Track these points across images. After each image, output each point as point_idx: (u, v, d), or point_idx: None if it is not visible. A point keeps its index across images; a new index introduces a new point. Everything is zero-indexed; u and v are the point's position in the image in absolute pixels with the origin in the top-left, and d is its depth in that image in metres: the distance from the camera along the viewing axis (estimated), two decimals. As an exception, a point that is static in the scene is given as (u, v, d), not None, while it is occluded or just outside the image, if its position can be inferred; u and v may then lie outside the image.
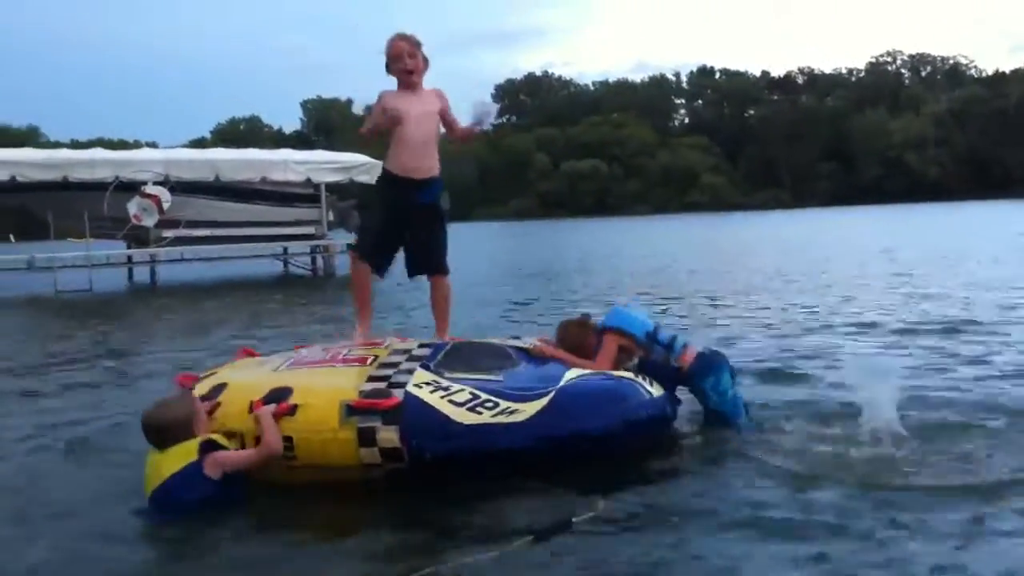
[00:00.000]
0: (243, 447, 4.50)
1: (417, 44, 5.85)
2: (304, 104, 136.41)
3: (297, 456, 4.44)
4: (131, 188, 21.76)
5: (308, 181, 24.19)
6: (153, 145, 68.40)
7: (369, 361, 5.00)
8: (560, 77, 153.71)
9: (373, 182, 25.50)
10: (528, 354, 5.39)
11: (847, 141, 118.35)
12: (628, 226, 62.66)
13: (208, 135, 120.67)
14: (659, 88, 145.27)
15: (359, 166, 25.10)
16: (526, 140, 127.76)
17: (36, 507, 4.51)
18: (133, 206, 21.54)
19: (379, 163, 21.76)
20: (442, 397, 4.52)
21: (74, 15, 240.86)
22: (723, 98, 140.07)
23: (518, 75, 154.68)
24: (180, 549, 3.92)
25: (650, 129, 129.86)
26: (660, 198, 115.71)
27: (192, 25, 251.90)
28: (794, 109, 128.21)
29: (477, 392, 4.58)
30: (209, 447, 4.34)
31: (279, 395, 4.60)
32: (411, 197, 5.77)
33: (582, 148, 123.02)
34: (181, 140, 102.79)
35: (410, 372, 4.78)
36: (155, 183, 21.95)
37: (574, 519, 3.93)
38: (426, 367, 4.86)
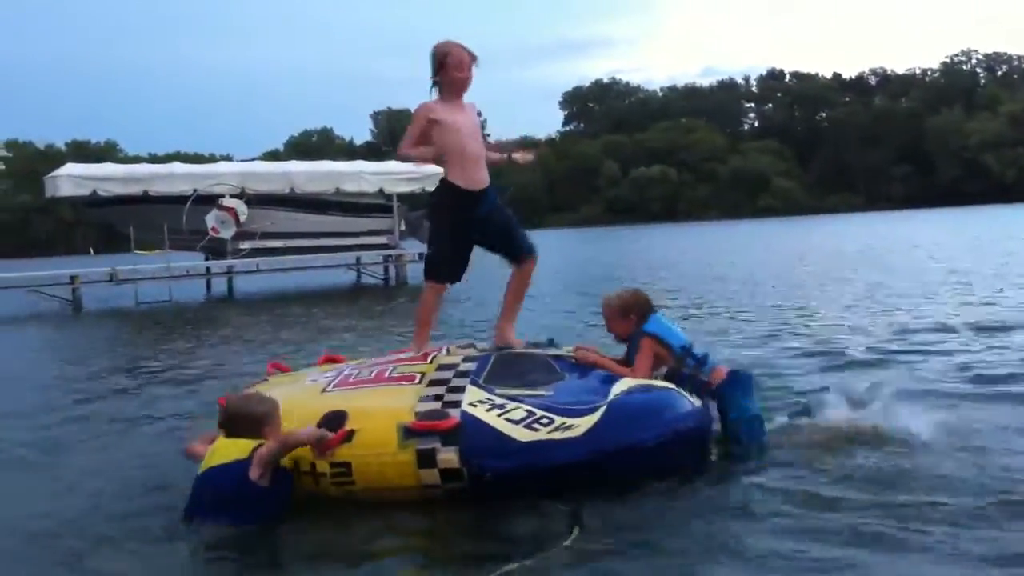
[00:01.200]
0: (297, 472, 4.52)
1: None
2: (374, 115, 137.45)
3: (355, 480, 4.46)
4: (209, 201, 22.24)
5: (381, 191, 24.48)
6: (228, 158, 69.71)
7: (417, 379, 4.98)
8: (628, 83, 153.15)
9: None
10: (570, 365, 5.37)
11: (922, 143, 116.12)
12: (699, 232, 62.10)
13: (281, 147, 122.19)
14: (728, 92, 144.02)
15: (431, 176, 25.24)
16: (594, 147, 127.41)
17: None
18: (211, 218, 22.01)
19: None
20: (499, 415, 4.53)
21: (147, 33, 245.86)
22: (793, 101, 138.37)
23: (585, 82, 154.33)
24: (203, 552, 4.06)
25: (720, 134, 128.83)
26: (730, 203, 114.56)
27: (262, 40, 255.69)
28: (867, 111, 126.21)
29: (532, 409, 4.60)
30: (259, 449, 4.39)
31: (335, 419, 4.59)
32: (476, 210, 5.71)
33: (651, 154, 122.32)
34: (255, 153, 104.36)
35: (461, 390, 4.77)
36: (232, 196, 22.39)
37: (567, 540, 3.93)
38: (476, 383, 4.85)
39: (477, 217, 5.72)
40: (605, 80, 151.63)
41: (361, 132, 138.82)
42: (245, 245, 22.80)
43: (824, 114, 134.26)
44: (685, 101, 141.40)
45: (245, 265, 23.13)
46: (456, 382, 4.87)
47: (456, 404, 4.60)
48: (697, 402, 5.05)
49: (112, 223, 24.79)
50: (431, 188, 22.49)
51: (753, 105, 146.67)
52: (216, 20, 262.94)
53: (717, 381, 5.47)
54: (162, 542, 4.22)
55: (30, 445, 6.42)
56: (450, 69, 5.55)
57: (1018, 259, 19.72)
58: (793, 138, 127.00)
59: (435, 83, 5.64)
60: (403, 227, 24.93)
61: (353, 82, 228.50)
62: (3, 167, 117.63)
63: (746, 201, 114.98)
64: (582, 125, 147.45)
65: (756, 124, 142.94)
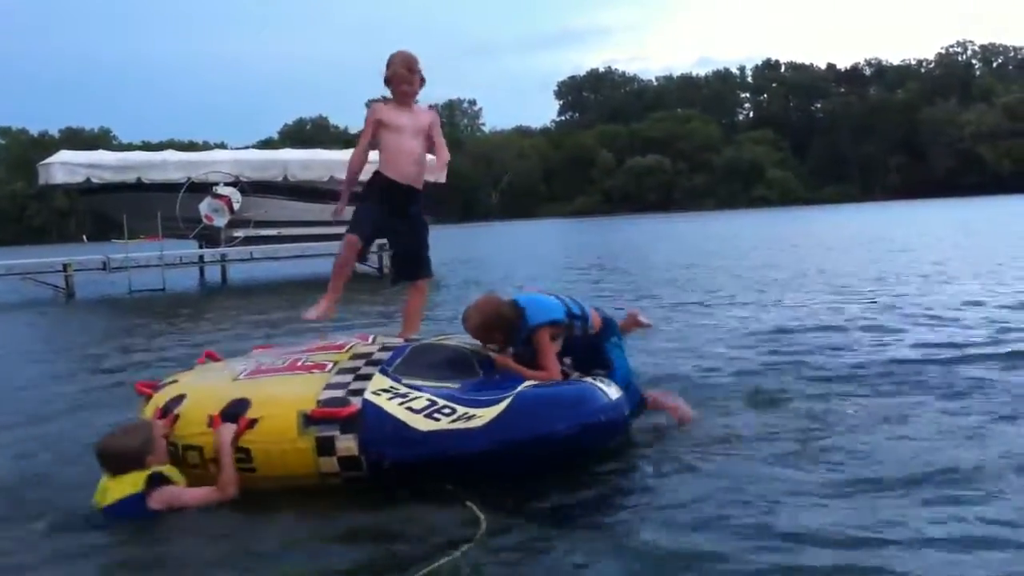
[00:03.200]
0: (202, 460, 4.50)
1: (416, 64, 6.02)
2: (369, 104, 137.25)
3: (256, 467, 4.44)
4: (203, 189, 22.21)
5: (375, 179, 24.44)
6: (222, 146, 69.67)
7: (328, 367, 4.94)
8: (623, 73, 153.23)
9: (439, 180, 25.86)
10: (488, 358, 5.31)
11: (917, 134, 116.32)
12: (696, 222, 62.19)
13: (276, 135, 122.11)
14: (724, 82, 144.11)
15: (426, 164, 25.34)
16: (589, 137, 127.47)
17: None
18: (205, 207, 22.00)
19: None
20: (400, 404, 4.51)
21: (141, 21, 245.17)
22: (789, 92, 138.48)
23: (581, 72, 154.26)
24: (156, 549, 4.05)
25: (715, 124, 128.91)
26: (726, 193, 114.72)
27: (256, 28, 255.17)
28: (862, 102, 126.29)
29: (435, 398, 4.58)
30: (157, 481, 4.36)
31: (238, 407, 4.57)
32: (402, 203, 5.94)
33: (646, 144, 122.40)
34: (249, 141, 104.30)
35: (368, 378, 4.74)
36: (225, 184, 22.37)
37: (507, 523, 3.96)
38: (384, 372, 4.82)
39: (402, 210, 5.95)
40: (601, 70, 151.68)
41: (356, 120, 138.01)
42: (239, 233, 22.79)
43: (819, 105, 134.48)
44: (681, 91, 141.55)
45: (239, 253, 23.09)
46: (365, 371, 4.84)
47: (359, 392, 4.58)
48: (615, 394, 5.02)
49: (105, 211, 24.73)
50: (426, 176, 22.51)
51: (748, 95, 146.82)
52: (210, 8, 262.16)
53: (597, 328, 5.61)
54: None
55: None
56: (394, 83, 5.97)
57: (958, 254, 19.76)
58: (788, 128, 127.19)
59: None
60: (397, 216, 24.91)
61: (347, 70, 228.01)
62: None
63: (741, 191, 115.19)
64: (577, 115, 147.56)
65: (751, 114, 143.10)
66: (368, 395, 4.55)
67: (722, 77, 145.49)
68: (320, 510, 4.30)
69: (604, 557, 3.70)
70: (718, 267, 19.51)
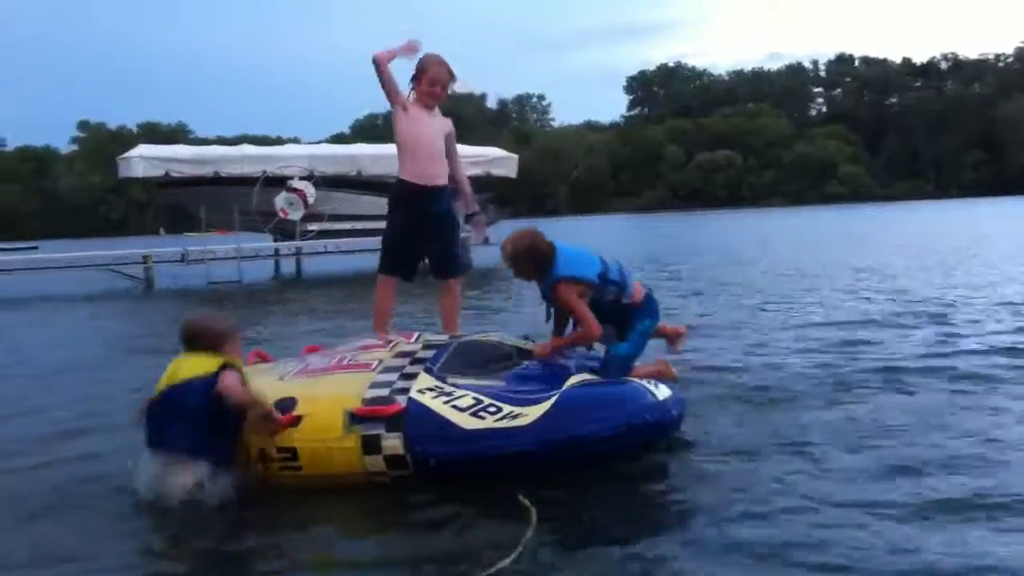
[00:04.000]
0: (249, 460, 4.55)
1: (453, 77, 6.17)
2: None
3: (302, 466, 4.48)
4: (278, 183, 22.57)
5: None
6: (295, 141, 70.52)
7: (373, 366, 4.99)
8: (693, 68, 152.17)
9: (510, 175, 25.91)
10: (532, 355, 5.39)
11: (994, 129, 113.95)
12: (773, 217, 61.56)
13: (348, 130, 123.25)
14: (795, 77, 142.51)
15: (495, 159, 25.48)
16: (658, 132, 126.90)
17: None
18: (280, 200, 22.35)
19: (516, 157, 22.13)
20: (446, 403, 4.53)
21: (217, 16, 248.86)
22: (863, 86, 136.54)
23: (650, 67, 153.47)
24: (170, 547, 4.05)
25: (786, 119, 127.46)
26: (796, 189, 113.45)
27: (328, 23, 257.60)
28: (938, 96, 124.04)
29: (480, 397, 4.59)
30: (226, 368, 4.45)
31: (284, 406, 4.60)
32: (427, 205, 5.98)
33: (715, 139, 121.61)
34: (322, 135, 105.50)
35: (413, 376, 4.78)
36: (301, 178, 22.71)
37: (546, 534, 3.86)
38: (429, 371, 4.86)
39: (431, 213, 5.98)
40: (670, 64, 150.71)
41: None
42: (313, 227, 23.10)
43: (894, 100, 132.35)
44: (751, 86, 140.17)
45: (313, 247, 23.38)
46: (410, 369, 4.88)
47: (405, 391, 4.60)
48: (663, 394, 5.02)
49: (182, 204, 25.25)
50: (496, 171, 22.68)
51: (821, 90, 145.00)
52: (281, 5, 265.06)
53: (637, 301, 5.54)
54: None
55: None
56: (423, 82, 6.07)
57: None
58: (861, 124, 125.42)
59: (412, 87, 6.15)
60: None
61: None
62: (77, 148, 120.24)
63: (812, 187, 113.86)
64: (646, 110, 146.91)
65: (824, 109, 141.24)
66: (413, 393, 4.58)
67: (794, 71, 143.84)
68: (370, 506, 4.35)
69: (660, 549, 3.71)
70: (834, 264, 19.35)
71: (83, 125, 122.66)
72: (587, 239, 38.18)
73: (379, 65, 6.09)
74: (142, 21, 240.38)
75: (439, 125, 6.16)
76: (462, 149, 25.23)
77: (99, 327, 14.13)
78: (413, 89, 6.13)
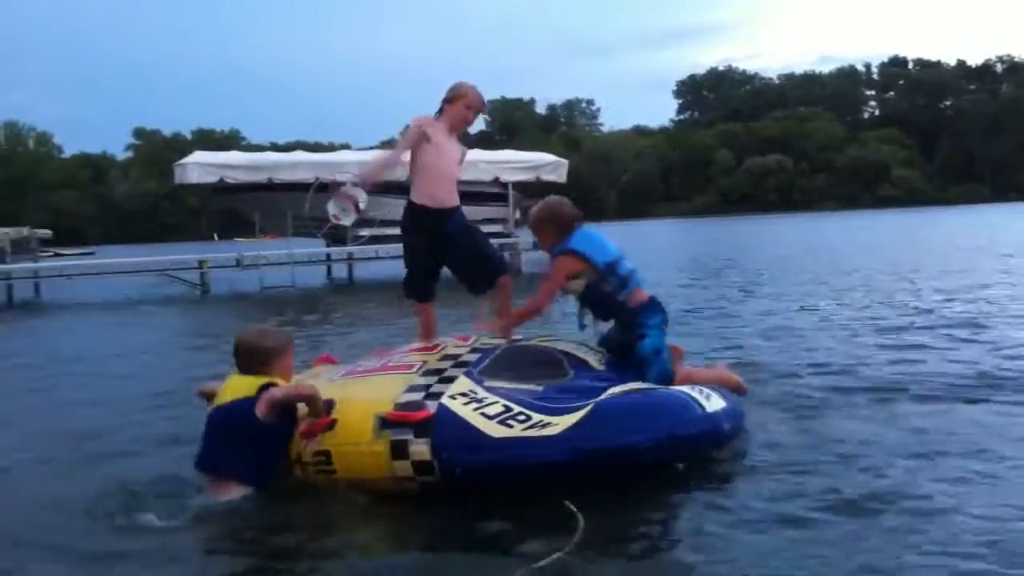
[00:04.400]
0: (290, 464, 4.59)
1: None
2: (488, 104, 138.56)
3: (336, 469, 4.47)
4: (330, 189, 22.83)
5: (496, 180, 24.76)
6: (346, 147, 71.03)
7: (416, 368, 4.96)
8: (743, 71, 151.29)
9: (560, 180, 25.99)
10: (585, 362, 5.29)
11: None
12: (832, 222, 60.96)
13: (397, 136, 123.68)
14: (847, 80, 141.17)
15: (546, 165, 25.62)
16: (708, 136, 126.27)
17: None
18: (332, 206, 22.61)
19: (566, 162, 22.18)
20: (475, 409, 4.45)
21: (268, 25, 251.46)
22: (916, 89, 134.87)
23: (699, 70, 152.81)
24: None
25: (838, 122, 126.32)
26: (849, 193, 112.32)
27: (377, 30, 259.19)
28: (993, 99, 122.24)
29: (510, 404, 4.52)
30: (267, 389, 4.49)
31: (325, 409, 4.63)
32: (442, 227, 5.91)
33: (766, 143, 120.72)
34: (372, 142, 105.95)
35: (451, 380, 4.72)
36: (353, 184, 22.94)
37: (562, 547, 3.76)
38: (469, 375, 4.81)
39: (444, 235, 5.91)
40: (720, 68, 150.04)
41: (476, 122, 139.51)
42: (364, 232, 23.34)
43: (948, 102, 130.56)
44: (802, 89, 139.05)
45: (364, 252, 23.63)
46: (451, 373, 4.83)
47: (438, 396, 4.55)
48: (714, 407, 4.87)
49: (237, 210, 25.63)
50: (546, 177, 22.74)
51: (874, 93, 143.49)
52: (331, 10, 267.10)
53: (635, 304, 5.49)
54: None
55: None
56: (461, 105, 5.99)
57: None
58: (915, 127, 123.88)
59: (441, 109, 6.04)
60: (518, 216, 25.19)
61: (466, 71, 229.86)
62: (132, 155, 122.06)
63: (865, 191, 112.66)
64: (696, 114, 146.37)
65: (877, 113, 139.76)
66: (445, 399, 4.51)
67: (846, 75, 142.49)
68: (414, 509, 4.34)
69: (711, 555, 3.71)
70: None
71: (138, 132, 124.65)
72: (649, 243, 38.15)
73: (385, 171, 6.21)
74: (196, 29, 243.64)
75: (458, 153, 6.12)
76: (511, 155, 25.50)
77: (159, 331, 14.44)
78: (443, 112, 6.02)
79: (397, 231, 21.33)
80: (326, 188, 22.78)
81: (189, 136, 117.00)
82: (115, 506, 4.52)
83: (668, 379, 5.42)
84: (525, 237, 25.54)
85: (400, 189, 22.81)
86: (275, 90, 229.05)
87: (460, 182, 20.99)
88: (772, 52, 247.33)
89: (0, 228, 27.30)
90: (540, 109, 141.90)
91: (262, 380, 4.55)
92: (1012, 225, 38.54)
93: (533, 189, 26.17)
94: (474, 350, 5.22)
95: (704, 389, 5.04)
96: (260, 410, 4.44)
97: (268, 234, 23.60)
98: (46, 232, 34.90)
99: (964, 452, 4.86)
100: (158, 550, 4.00)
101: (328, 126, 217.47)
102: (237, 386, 4.59)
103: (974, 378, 6.74)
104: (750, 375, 6.66)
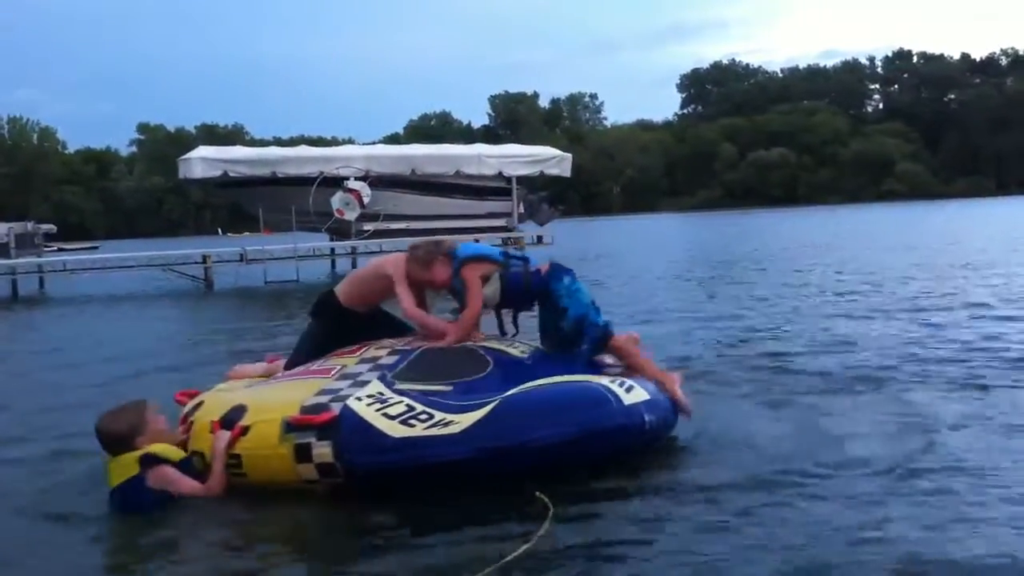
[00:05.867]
0: (206, 466, 4.59)
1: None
2: (492, 99, 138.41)
3: (246, 472, 4.49)
4: (334, 183, 22.87)
5: (500, 174, 24.77)
6: (350, 142, 71.11)
7: (333, 372, 4.96)
8: (747, 65, 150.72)
9: (564, 175, 26.02)
10: (510, 359, 5.14)
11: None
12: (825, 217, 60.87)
13: (401, 131, 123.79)
14: (851, 73, 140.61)
15: (549, 159, 25.64)
16: (712, 130, 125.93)
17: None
18: (336, 201, 22.64)
19: (570, 156, 22.12)
20: (377, 410, 4.41)
21: (270, 21, 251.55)
22: (921, 83, 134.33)
23: (703, 65, 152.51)
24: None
25: (842, 116, 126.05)
26: (853, 187, 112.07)
27: (379, 25, 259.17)
28: (998, 93, 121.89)
29: (413, 404, 4.48)
30: (150, 461, 4.46)
31: (235, 415, 4.65)
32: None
33: (770, 137, 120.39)
34: (375, 136, 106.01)
35: (364, 384, 4.71)
36: (356, 178, 22.99)
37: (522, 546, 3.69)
38: (383, 377, 4.78)
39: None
40: (724, 62, 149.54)
41: (479, 116, 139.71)
42: (369, 227, 23.37)
43: (953, 96, 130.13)
44: (806, 83, 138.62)
45: (368, 246, 23.67)
46: (365, 376, 4.81)
47: (344, 399, 4.54)
48: (633, 399, 4.70)
49: (241, 204, 25.67)
50: (550, 171, 22.75)
51: (878, 86, 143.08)
52: (334, 6, 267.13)
53: (545, 271, 5.48)
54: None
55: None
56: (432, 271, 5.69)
57: None
58: (920, 121, 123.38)
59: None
60: (521, 210, 25.21)
61: (470, 66, 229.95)
62: (136, 150, 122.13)
63: (869, 185, 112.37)
64: (700, 108, 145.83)
65: (881, 106, 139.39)
66: (350, 401, 4.49)
67: (850, 68, 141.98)
68: (376, 504, 4.29)
69: (677, 546, 3.71)
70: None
71: (143, 127, 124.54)
72: (646, 238, 38.19)
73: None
74: (198, 24, 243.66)
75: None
76: (515, 149, 25.54)
77: (164, 326, 14.46)
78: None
79: (401, 225, 21.36)
80: (330, 182, 22.86)
81: (193, 131, 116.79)
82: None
83: (604, 336, 5.36)
84: (529, 231, 25.66)
85: (405, 184, 22.87)
86: (279, 85, 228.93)
87: (464, 176, 21.14)
88: (775, 46, 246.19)
89: (4, 223, 27.30)
90: (544, 103, 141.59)
91: (139, 454, 4.49)
92: None
93: (538, 183, 26.23)
94: (393, 352, 5.15)
95: (627, 381, 4.88)
96: (153, 482, 4.45)
97: (266, 229, 23.66)
98: (50, 227, 34.96)
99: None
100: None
101: (332, 121, 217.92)
102: (119, 469, 4.52)
103: None
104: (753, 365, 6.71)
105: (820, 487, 4.29)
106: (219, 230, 34.34)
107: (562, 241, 26.60)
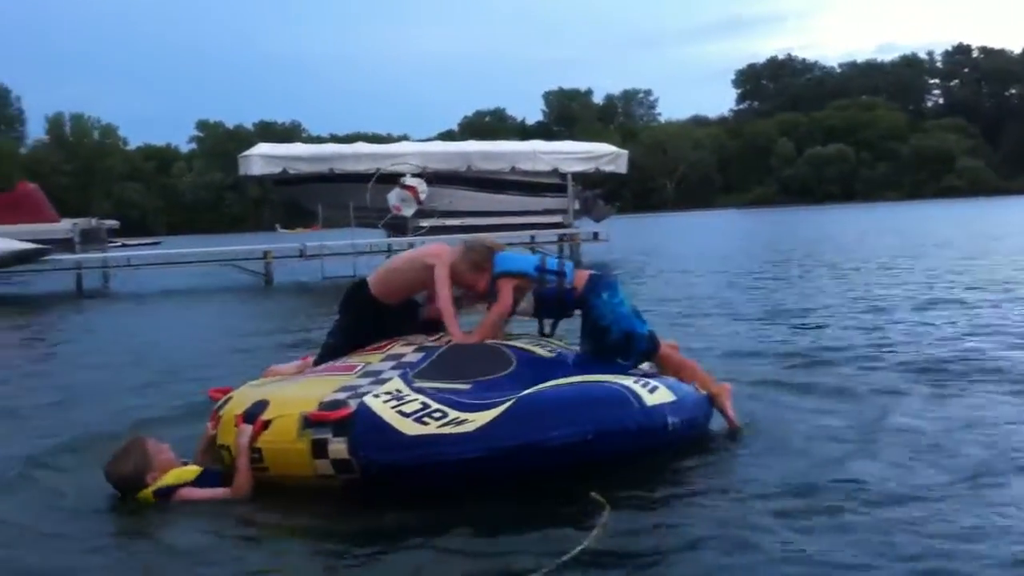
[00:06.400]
0: (231, 459, 4.65)
1: None
2: (546, 95, 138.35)
3: (267, 467, 4.53)
4: (391, 179, 23.11)
5: (555, 171, 24.85)
6: (405, 138, 71.39)
7: (357, 369, 4.98)
8: (804, 60, 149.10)
9: (619, 171, 26.08)
10: (534, 358, 5.13)
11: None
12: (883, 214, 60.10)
13: (456, 128, 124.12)
14: (910, 68, 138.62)
15: (606, 155, 25.69)
16: (768, 125, 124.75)
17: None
18: (393, 197, 22.90)
19: (625, 153, 22.21)
20: (392, 408, 4.42)
21: (327, 18, 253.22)
22: (981, 77, 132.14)
23: (759, 60, 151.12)
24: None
25: (901, 111, 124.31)
26: (912, 183, 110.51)
27: (433, 21, 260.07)
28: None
29: (428, 402, 4.48)
30: (163, 494, 4.52)
31: (256, 409, 4.68)
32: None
33: (827, 133, 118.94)
34: (430, 133, 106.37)
35: (384, 381, 4.73)
36: (413, 175, 23.21)
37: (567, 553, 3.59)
38: (404, 375, 4.79)
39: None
40: (780, 57, 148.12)
41: (533, 112, 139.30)
42: (425, 223, 23.59)
43: (1014, 91, 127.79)
44: (864, 78, 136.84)
45: (425, 242, 23.88)
46: (387, 374, 4.84)
47: (363, 395, 4.55)
48: (654, 400, 4.68)
49: (299, 200, 26.02)
50: (606, 167, 22.82)
51: (937, 81, 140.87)
52: (387, 5, 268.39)
53: (581, 285, 5.42)
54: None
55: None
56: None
57: None
58: (980, 116, 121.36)
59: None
60: (577, 206, 25.27)
61: (523, 62, 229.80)
62: (195, 147, 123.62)
63: (929, 181, 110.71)
64: (756, 103, 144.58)
65: (941, 101, 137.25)
66: (367, 398, 4.51)
67: (908, 62, 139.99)
68: (428, 503, 4.25)
69: (734, 544, 3.66)
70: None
71: (202, 124, 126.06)
72: (699, 235, 37.95)
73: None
74: (253, 22, 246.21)
75: None
76: (570, 145, 25.66)
77: (226, 320, 14.76)
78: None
79: (457, 221, 21.59)
80: (387, 179, 23.10)
81: (251, 128, 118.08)
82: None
83: (651, 348, 5.39)
84: (584, 228, 25.72)
85: (460, 181, 23.14)
86: (333, 82, 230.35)
87: (520, 172, 21.19)
88: (832, 41, 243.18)
89: (70, 219, 27.84)
90: (597, 99, 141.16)
91: (152, 490, 4.57)
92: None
93: (593, 180, 26.27)
94: (419, 349, 5.16)
95: (651, 381, 4.86)
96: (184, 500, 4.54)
97: (314, 225, 24.00)
98: (113, 223, 35.50)
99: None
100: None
101: (386, 117, 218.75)
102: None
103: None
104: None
105: (920, 490, 4.19)
106: (276, 226, 34.73)
107: (617, 238, 26.63)
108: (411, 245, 23.74)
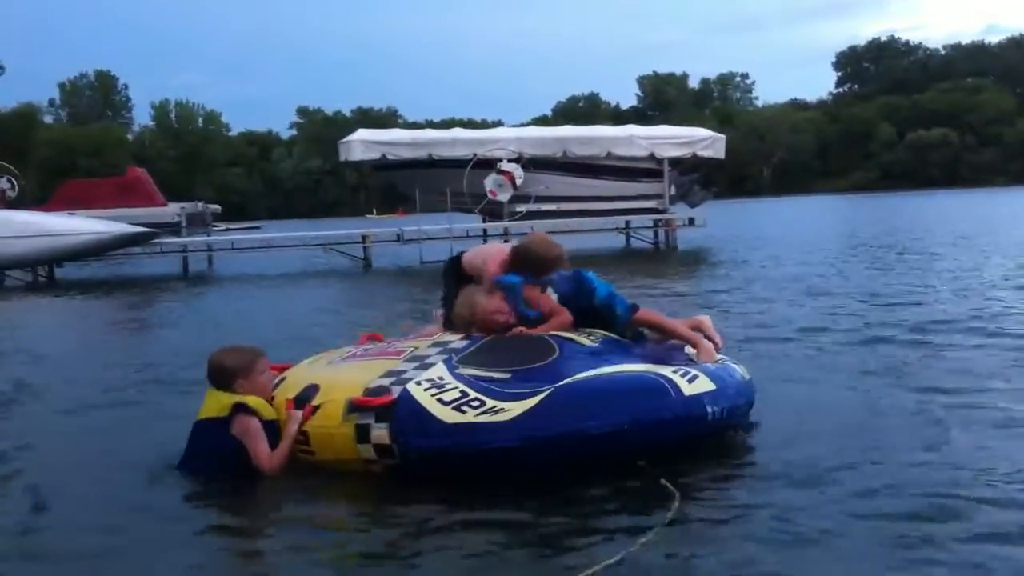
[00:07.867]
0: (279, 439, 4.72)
1: None
2: (640, 80, 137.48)
3: (314, 450, 4.63)
4: (488, 165, 23.33)
5: (651, 156, 24.76)
6: (499, 124, 71.69)
7: (404, 354, 5.02)
8: (907, 42, 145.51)
9: (717, 156, 25.96)
10: (583, 348, 5.09)
11: None
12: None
13: (550, 113, 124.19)
14: (1018, 50, 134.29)
15: (702, 140, 25.49)
16: (869, 109, 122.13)
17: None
18: (490, 182, 23.12)
19: (723, 137, 22.15)
20: (432, 395, 4.49)
21: (424, 4, 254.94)
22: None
23: (860, 42, 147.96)
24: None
25: (1008, 95, 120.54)
26: (1019, 169, 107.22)
27: (527, 7, 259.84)
28: None
29: (467, 390, 4.53)
30: (241, 409, 4.65)
31: (307, 393, 4.78)
32: None
33: (930, 116, 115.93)
34: (524, 118, 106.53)
35: (428, 367, 4.77)
36: (509, 160, 23.39)
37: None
38: (448, 362, 4.82)
39: None
40: (882, 39, 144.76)
41: (627, 97, 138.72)
42: (520, 208, 23.74)
43: None
44: (969, 60, 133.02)
45: (520, 228, 23.98)
46: (432, 360, 4.88)
47: (407, 381, 4.61)
48: (693, 389, 4.66)
49: (397, 186, 26.38)
50: (702, 152, 22.74)
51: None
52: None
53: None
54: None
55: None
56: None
57: None
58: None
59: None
60: (673, 191, 25.17)
61: (617, 47, 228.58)
62: (295, 133, 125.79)
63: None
64: (856, 87, 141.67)
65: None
66: (409, 385, 4.57)
67: (1016, 44, 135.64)
68: (498, 487, 4.26)
69: (810, 534, 3.59)
70: None
71: (302, 111, 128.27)
72: (798, 221, 37.32)
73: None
74: (349, 8, 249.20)
75: None
76: (667, 130, 25.51)
77: (327, 303, 15.14)
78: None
79: (552, 207, 21.72)
80: (484, 164, 23.33)
81: (349, 114, 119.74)
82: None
83: (628, 309, 5.47)
84: (681, 213, 25.62)
85: (556, 166, 23.27)
86: (429, 68, 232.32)
87: (615, 157, 21.24)
88: (936, 22, 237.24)
89: (177, 203, 28.69)
90: (692, 84, 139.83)
91: (234, 399, 4.70)
92: None
93: (690, 165, 26.12)
94: (467, 336, 5.21)
95: (690, 371, 4.85)
96: (236, 430, 4.65)
97: (400, 211, 24.38)
98: (216, 207, 36.47)
99: None
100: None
101: (481, 103, 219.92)
102: (212, 404, 4.75)
103: None
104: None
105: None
106: (373, 211, 35.34)
107: (713, 223, 26.46)
108: (506, 230, 24.05)
